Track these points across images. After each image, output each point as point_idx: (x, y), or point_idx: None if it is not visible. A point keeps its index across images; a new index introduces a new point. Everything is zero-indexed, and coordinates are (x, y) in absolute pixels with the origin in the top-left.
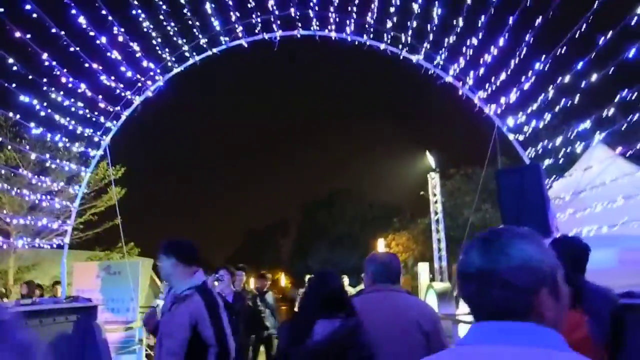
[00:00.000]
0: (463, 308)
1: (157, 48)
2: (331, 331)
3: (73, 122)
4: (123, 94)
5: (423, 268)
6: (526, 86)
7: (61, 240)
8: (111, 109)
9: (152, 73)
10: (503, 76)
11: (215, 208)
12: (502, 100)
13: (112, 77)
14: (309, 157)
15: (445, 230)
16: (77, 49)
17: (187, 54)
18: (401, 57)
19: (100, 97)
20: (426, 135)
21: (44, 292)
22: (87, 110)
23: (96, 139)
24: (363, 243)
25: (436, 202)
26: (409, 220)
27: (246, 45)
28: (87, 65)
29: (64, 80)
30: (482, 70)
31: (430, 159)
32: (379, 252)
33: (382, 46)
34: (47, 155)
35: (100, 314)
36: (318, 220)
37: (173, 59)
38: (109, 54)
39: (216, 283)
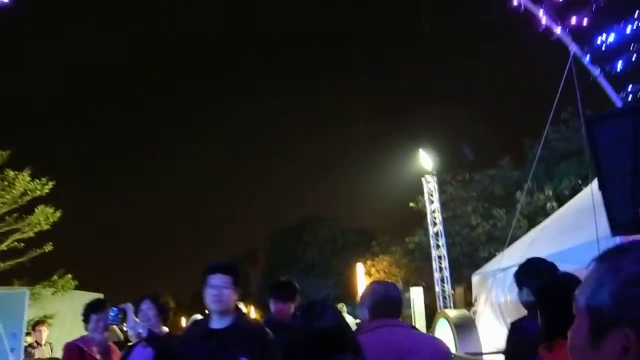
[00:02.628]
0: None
1: None
2: None
3: None
4: None
5: (417, 294)
6: None
7: None
8: None
9: None
10: None
11: (175, 238)
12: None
13: None
14: (277, 180)
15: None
16: None
17: None
18: None
19: None
20: (412, 133)
21: None
22: None
23: None
24: (335, 271)
25: (434, 211)
26: (388, 244)
27: None
28: None
29: None
30: None
31: (424, 159)
32: (377, 281)
33: None
34: None
35: None
36: (287, 248)
37: None
38: None
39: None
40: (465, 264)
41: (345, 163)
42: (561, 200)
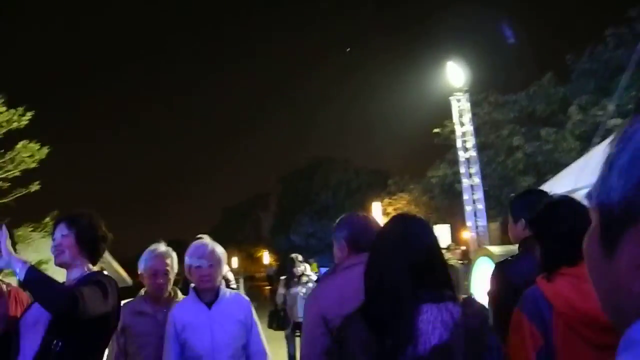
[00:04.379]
0: None
1: None
2: (453, 325)
3: None
4: None
5: (443, 232)
6: None
7: None
8: None
9: None
10: None
11: (181, 182)
12: None
13: None
14: (282, 120)
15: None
16: None
17: None
18: None
19: None
20: (435, 47)
21: None
22: None
23: None
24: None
25: (465, 134)
26: (406, 183)
27: None
28: None
29: None
30: None
31: (454, 73)
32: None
33: None
34: None
35: None
36: (298, 191)
37: None
38: None
39: None
40: (500, 197)
41: (355, 89)
42: (625, 117)
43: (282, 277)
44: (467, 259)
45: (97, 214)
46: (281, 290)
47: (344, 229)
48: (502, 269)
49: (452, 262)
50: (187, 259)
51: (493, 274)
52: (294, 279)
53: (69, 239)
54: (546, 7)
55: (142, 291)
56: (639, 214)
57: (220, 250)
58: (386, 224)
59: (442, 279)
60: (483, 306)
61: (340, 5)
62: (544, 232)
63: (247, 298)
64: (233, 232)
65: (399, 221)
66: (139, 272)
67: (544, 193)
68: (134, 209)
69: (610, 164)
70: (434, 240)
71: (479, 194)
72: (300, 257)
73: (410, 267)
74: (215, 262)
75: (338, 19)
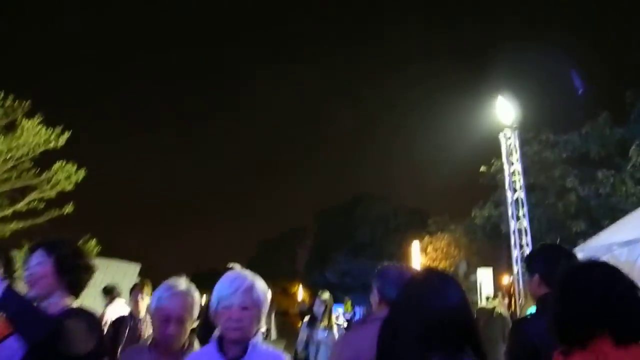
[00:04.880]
0: None
1: None
2: None
3: None
4: None
5: (485, 276)
6: None
7: None
8: None
9: None
10: None
11: (221, 214)
12: None
13: None
14: (324, 153)
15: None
16: None
17: None
18: None
19: None
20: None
21: None
22: None
23: None
24: (387, 253)
25: (514, 173)
26: (447, 223)
27: None
28: None
29: None
30: None
31: (503, 109)
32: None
33: None
34: None
35: None
36: (336, 227)
37: None
38: None
39: None
40: (550, 241)
41: (399, 126)
42: None
43: (307, 318)
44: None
45: (81, 245)
46: (303, 334)
47: (378, 279)
48: (522, 326)
49: (502, 311)
50: (214, 295)
51: (512, 331)
52: (318, 321)
53: (46, 267)
54: (604, 44)
55: (149, 337)
56: None
57: (261, 287)
58: (409, 279)
59: (462, 340)
60: None
61: (382, 28)
62: (561, 297)
63: (285, 356)
64: (268, 265)
65: (420, 277)
66: (151, 313)
67: (563, 249)
68: (166, 236)
69: None
70: (457, 298)
71: (527, 239)
72: (326, 295)
73: (424, 327)
74: (252, 304)
75: (385, 42)
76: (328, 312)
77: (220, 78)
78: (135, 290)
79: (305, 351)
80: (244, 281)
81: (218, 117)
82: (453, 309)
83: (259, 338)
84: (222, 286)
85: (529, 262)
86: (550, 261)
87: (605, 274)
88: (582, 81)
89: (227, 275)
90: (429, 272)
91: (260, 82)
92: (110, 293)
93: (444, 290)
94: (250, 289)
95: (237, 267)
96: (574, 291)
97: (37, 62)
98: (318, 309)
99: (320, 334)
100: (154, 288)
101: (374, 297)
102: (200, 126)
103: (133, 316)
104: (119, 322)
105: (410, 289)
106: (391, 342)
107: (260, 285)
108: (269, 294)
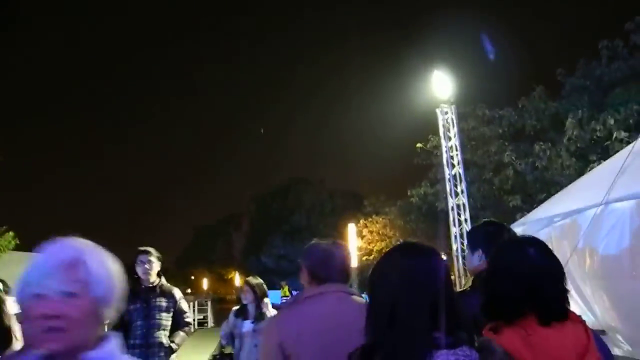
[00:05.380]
0: None
1: None
2: None
3: None
4: None
5: None
6: None
7: None
8: None
9: None
10: None
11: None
12: None
13: None
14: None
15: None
16: None
17: None
18: None
19: None
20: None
21: None
22: None
23: None
24: (323, 235)
25: (452, 148)
26: (383, 204)
27: None
28: None
29: None
30: None
31: (440, 83)
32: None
33: None
34: None
35: None
36: (271, 212)
37: None
38: None
39: None
40: (482, 219)
41: (331, 105)
42: (627, 131)
43: (235, 308)
44: None
45: None
46: (226, 326)
47: (306, 258)
48: (461, 299)
49: None
50: (18, 283)
51: None
52: (247, 311)
53: None
54: (540, 19)
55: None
56: None
57: (102, 262)
58: (391, 255)
59: (457, 319)
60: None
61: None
62: (491, 273)
63: None
64: (204, 252)
65: (411, 252)
66: None
67: (504, 227)
68: (105, 227)
69: None
70: (448, 274)
71: (466, 214)
72: (256, 280)
73: (430, 305)
74: (82, 289)
75: (318, 18)
76: (259, 300)
77: (157, 70)
78: None
79: (230, 345)
80: (68, 253)
81: (154, 107)
82: (449, 285)
83: (110, 346)
84: (33, 266)
85: (471, 238)
86: (492, 237)
87: (535, 252)
88: (493, 47)
89: (44, 249)
90: (419, 247)
91: (195, 70)
92: None
93: (439, 265)
94: (79, 264)
95: (153, 253)
96: (503, 270)
97: None
98: (246, 296)
99: (247, 325)
100: None
101: (304, 276)
102: (137, 117)
103: None
104: None
105: (403, 264)
106: (391, 323)
107: (99, 259)
108: (118, 274)
